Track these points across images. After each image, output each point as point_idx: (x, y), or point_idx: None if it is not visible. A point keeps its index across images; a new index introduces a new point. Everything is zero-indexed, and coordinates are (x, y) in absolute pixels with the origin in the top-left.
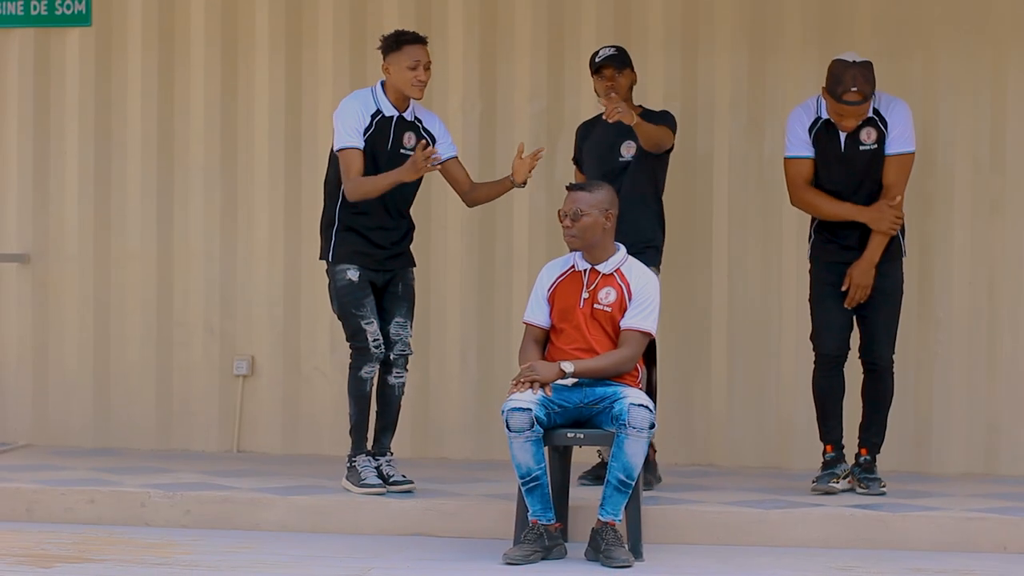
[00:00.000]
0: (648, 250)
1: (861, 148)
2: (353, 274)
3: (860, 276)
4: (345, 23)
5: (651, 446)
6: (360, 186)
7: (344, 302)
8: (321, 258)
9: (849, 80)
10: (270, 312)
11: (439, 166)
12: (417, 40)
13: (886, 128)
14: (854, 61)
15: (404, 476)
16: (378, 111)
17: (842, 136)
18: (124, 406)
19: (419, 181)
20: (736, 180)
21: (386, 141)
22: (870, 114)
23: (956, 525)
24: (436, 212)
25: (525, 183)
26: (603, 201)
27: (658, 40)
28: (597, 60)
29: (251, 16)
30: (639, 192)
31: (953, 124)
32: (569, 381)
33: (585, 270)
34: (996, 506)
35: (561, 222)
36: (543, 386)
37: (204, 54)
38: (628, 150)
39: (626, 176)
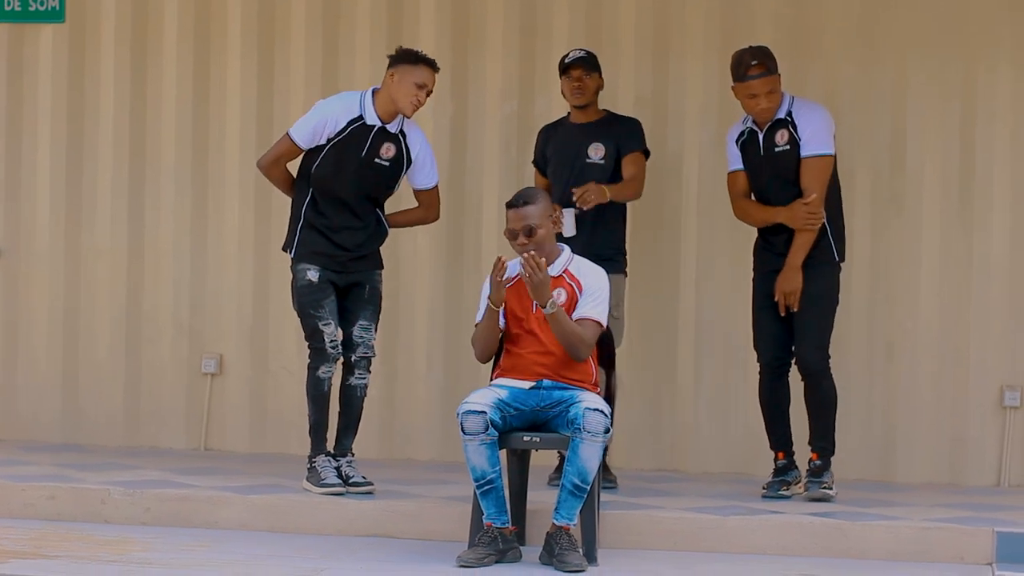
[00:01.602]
0: (619, 256)
1: (776, 150)
2: (313, 274)
3: (783, 281)
4: (318, 26)
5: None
6: (269, 171)
7: (303, 302)
8: (284, 249)
9: (747, 58)
10: (239, 311)
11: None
12: (433, 66)
13: (796, 131)
14: (748, 46)
15: (364, 478)
16: (359, 117)
17: (760, 140)
18: (93, 402)
19: (394, 183)
20: (705, 187)
21: (360, 149)
22: (783, 115)
23: (914, 534)
24: None
25: None
26: (547, 208)
27: (629, 46)
28: (567, 60)
29: (224, 16)
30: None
31: (922, 131)
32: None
33: None
34: (956, 516)
35: (513, 241)
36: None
37: (177, 51)
38: (596, 152)
39: (598, 179)
